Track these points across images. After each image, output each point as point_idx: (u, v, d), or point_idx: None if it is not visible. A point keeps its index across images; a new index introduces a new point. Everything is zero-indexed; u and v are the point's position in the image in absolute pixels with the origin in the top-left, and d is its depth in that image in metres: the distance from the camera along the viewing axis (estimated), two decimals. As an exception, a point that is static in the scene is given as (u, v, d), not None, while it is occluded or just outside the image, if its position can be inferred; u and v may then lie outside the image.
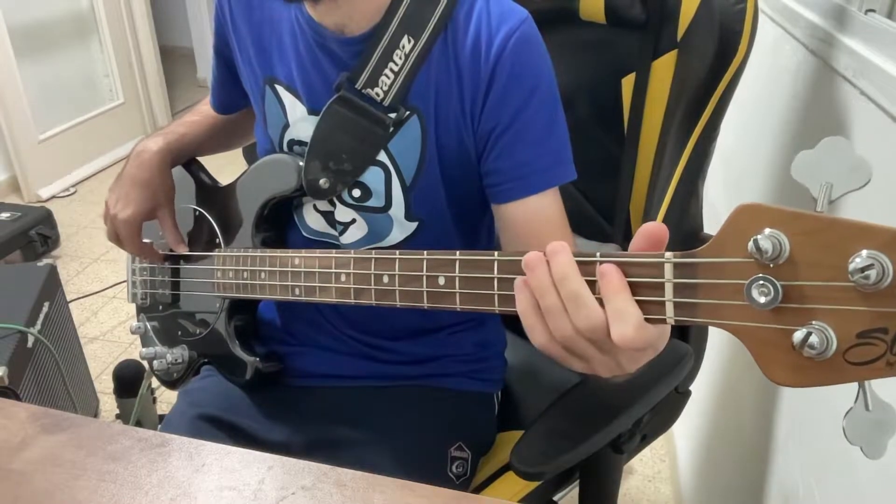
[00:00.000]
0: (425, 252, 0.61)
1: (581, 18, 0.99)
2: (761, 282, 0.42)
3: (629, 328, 0.46)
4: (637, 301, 0.48)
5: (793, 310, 0.41)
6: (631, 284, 0.48)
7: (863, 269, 0.37)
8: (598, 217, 1.05)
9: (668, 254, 0.47)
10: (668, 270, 0.47)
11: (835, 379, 0.40)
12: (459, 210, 0.82)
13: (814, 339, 0.39)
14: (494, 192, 0.78)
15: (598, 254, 0.50)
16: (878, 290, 0.38)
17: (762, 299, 0.42)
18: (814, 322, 0.40)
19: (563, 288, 0.49)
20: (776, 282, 0.41)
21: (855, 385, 0.41)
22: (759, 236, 0.41)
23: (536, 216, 0.76)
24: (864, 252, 0.38)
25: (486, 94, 0.74)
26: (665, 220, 0.91)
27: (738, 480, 1.13)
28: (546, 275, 0.49)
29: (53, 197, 3.13)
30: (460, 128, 0.76)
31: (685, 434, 1.58)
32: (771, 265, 0.41)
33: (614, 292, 0.47)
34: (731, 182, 1.33)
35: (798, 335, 0.40)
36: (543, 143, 0.75)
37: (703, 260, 0.45)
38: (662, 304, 0.47)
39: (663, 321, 0.47)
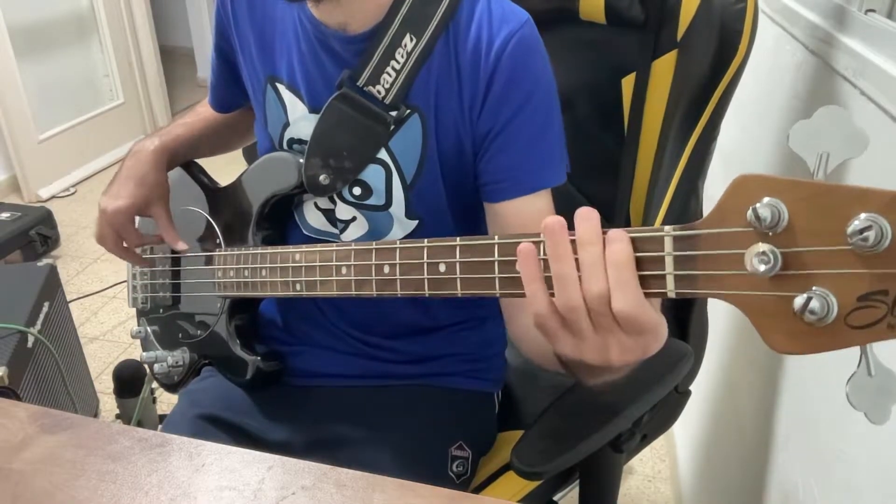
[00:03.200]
0: (426, 240, 0.61)
1: (581, 18, 0.99)
2: (761, 250, 0.42)
3: (630, 300, 0.47)
4: (638, 276, 0.48)
5: (793, 276, 0.41)
6: None
7: (861, 231, 0.37)
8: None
9: (668, 227, 0.47)
10: (668, 244, 0.47)
11: (837, 344, 0.40)
12: (459, 208, 0.82)
13: (814, 304, 0.39)
14: (486, 191, 0.78)
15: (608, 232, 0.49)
16: (876, 252, 0.38)
17: (762, 267, 0.41)
18: (814, 288, 0.40)
19: (585, 252, 0.48)
20: (776, 249, 0.41)
21: (854, 365, 0.40)
22: (757, 205, 0.41)
23: (524, 217, 0.76)
24: (863, 215, 0.38)
25: (485, 96, 0.74)
26: (665, 220, 0.91)
27: (738, 480, 1.13)
28: (567, 241, 0.49)
29: (53, 197, 3.13)
30: (459, 127, 0.76)
31: (685, 434, 1.58)
32: (770, 233, 0.41)
33: (624, 263, 0.47)
34: (730, 181, 1.33)
35: (798, 301, 0.40)
36: (535, 145, 0.75)
37: (703, 231, 0.45)
38: (663, 277, 0.47)
39: (664, 294, 0.47)
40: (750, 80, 0.90)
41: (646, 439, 0.98)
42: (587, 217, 0.49)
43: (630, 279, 0.47)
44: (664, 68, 0.92)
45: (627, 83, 0.97)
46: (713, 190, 1.05)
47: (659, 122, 0.94)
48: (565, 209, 1.08)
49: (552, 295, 0.50)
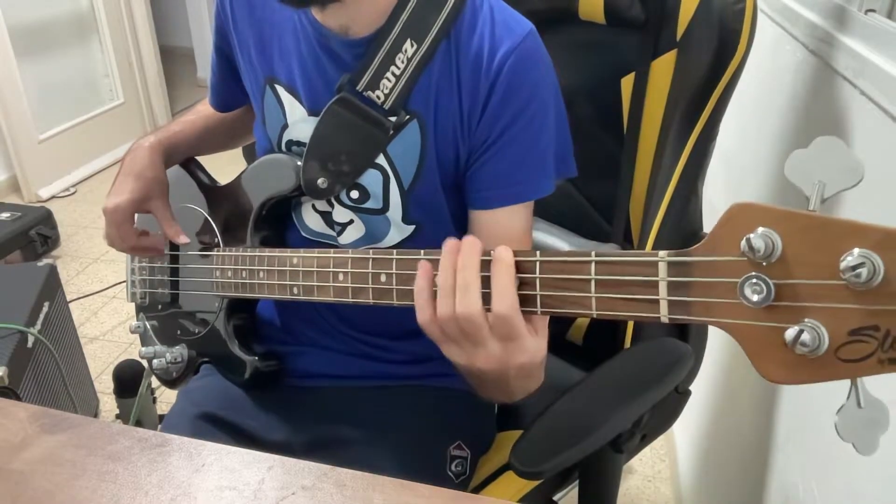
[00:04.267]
0: (422, 251, 0.61)
1: (580, 18, 0.99)
2: (754, 280, 0.42)
3: (506, 303, 0.55)
4: (632, 300, 0.49)
5: (785, 308, 0.42)
6: (626, 283, 0.49)
7: (854, 268, 0.38)
8: (598, 216, 1.05)
9: (663, 252, 0.47)
10: (663, 269, 0.47)
11: (827, 376, 0.41)
12: (457, 215, 0.82)
13: (805, 336, 0.40)
14: (469, 198, 0.79)
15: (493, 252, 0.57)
16: (869, 288, 0.38)
17: (755, 297, 0.42)
18: (806, 320, 0.40)
19: (460, 275, 0.57)
20: (769, 280, 0.41)
21: (848, 383, 0.41)
22: (751, 235, 0.41)
23: (500, 228, 0.77)
24: (856, 251, 0.38)
25: (484, 108, 0.74)
26: (664, 220, 0.91)
27: (738, 480, 1.13)
28: (453, 261, 0.58)
29: (53, 197, 3.13)
30: (457, 135, 0.76)
31: (685, 434, 1.58)
32: (764, 263, 0.42)
33: (498, 272, 0.55)
34: (730, 182, 1.33)
35: (790, 333, 0.41)
36: (524, 158, 0.75)
37: (697, 258, 0.45)
38: (657, 302, 0.47)
39: (657, 319, 0.48)
40: (750, 80, 0.90)
41: (646, 439, 0.98)
42: (468, 245, 0.58)
43: (507, 286, 0.55)
44: (663, 68, 0.92)
45: (627, 83, 0.97)
46: (712, 190, 1.05)
47: (658, 122, 0.94)
48: (566, 209, 1.08)
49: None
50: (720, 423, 1.31)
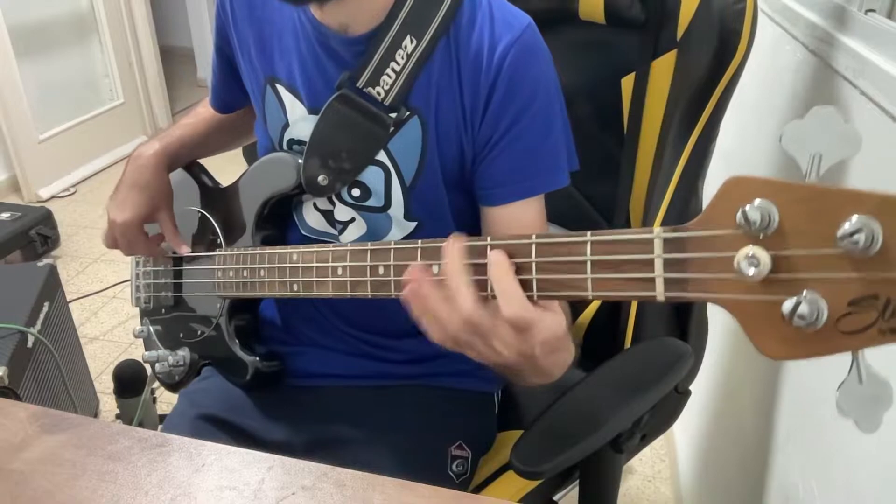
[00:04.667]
0: (420, 241, 0.61)
1: (580, 19, 0.99)
2: (751, 253, 0.41)
3: (514, 306, 0.53)
4: (627, 279, 0.48)
5: (783, 280, 0.40)
6: (620, 262, 0.48)
7: (852, 234, 0.36)
8: (598, 216, 1.05)
9: (658, 229, 0.46)
10: (658, 246, 0.46)
11: (828, 349, 0.39)
12: (459, 211, 0.82)
13: (803, 308, 0.39)
14: (481, 195, 0.79)
15: (488, 238, 0.56)
16: (867, 256, 0.37)
17: (751, 271, 0.41)
18: (805, 292, 0.39)
19: (450, 280, 0.55)
20: (766, 252, 0.40)
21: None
22: (747, 207, 0.40)
23: (514, 222, 0.77)
24: (854, 217, 0.37)
25: (487, 104, 0.74)
26: (665, 220, 0.91)
27: (738, 480, 1.13)
28: (426, 283, 0.57)
29: (53, 197, 3.13)
30: (460, 132, 0.76)
31: (685, 434, 1.58)
32: (760, 236, 0.41)
33: (498, 278, 0.53)
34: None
35: (787, 305, 0.39)
36: (533, 152, 0.75)
37: (693, 234, 0.44)
38: (652, 280, 0.46)
39: (653, 298, 0.47)
40: (750, 80, 0.90)
41: (646, 439, 0.98)
42: (450, 248, 0.56)
43: (508, 289, 0.53)
44: (663, 68, 0.92)
45: (627, 83, 0.97)
46: (713, 190, 1.06)
47: (658, 122, 0.94)
48: (565, 209, 1.08)
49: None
50: (720, 423, 1.31)
